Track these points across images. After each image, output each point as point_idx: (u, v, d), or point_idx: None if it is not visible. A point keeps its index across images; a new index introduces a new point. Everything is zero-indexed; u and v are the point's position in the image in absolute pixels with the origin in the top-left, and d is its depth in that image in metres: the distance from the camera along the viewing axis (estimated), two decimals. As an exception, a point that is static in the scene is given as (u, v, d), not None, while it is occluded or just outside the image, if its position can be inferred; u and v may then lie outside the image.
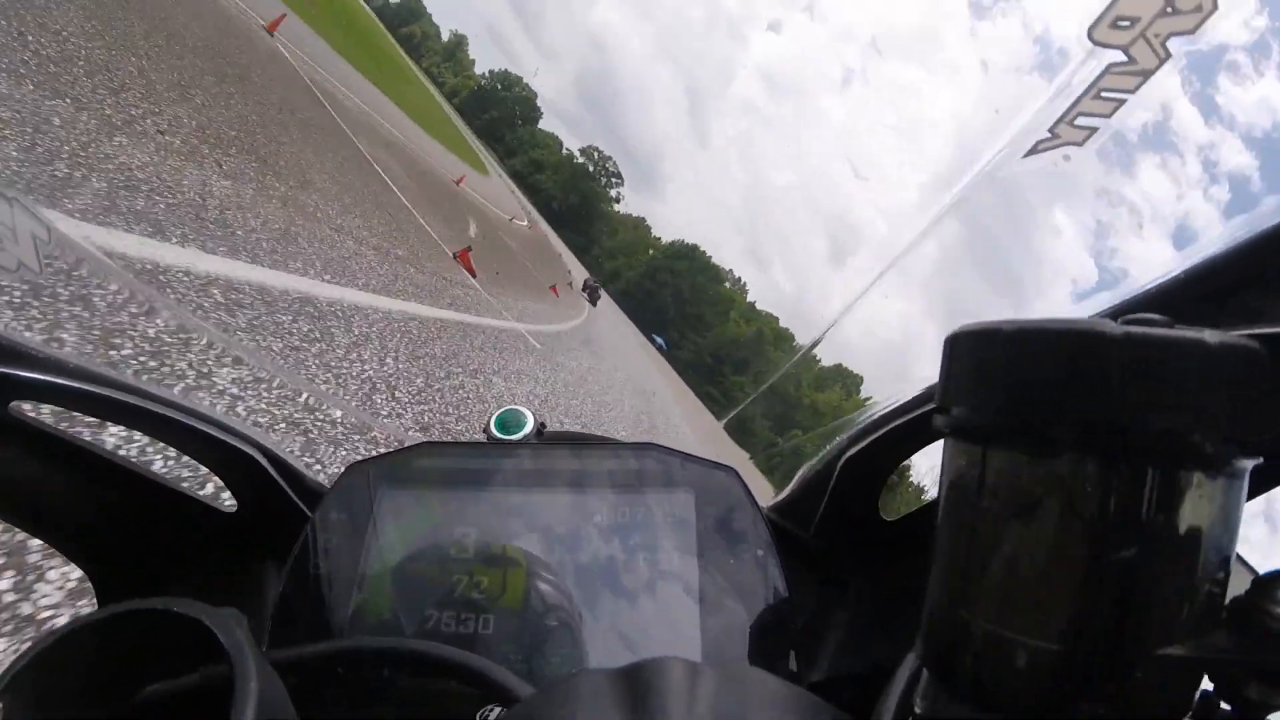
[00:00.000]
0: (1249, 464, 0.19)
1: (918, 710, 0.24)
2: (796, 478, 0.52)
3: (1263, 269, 0.25)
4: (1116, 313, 0.29)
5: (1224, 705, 0.21)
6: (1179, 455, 0.18)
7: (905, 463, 0.47)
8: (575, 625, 0.45)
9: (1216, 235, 0.26)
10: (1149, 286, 0.29)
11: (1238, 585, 0.20)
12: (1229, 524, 0.19)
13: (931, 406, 0.42)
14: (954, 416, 0.22)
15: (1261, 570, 0.20)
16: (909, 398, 0.44)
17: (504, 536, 0.49)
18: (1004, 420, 0.20)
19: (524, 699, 0.33)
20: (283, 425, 2.33)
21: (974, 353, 0.21)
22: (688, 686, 0.22)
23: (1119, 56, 0.41)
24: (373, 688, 0.42)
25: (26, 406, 0.40)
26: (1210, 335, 0.18)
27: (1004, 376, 0.20)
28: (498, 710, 0.36)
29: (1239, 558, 0.20)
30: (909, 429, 0.43)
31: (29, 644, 0.27)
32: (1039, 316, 0.20)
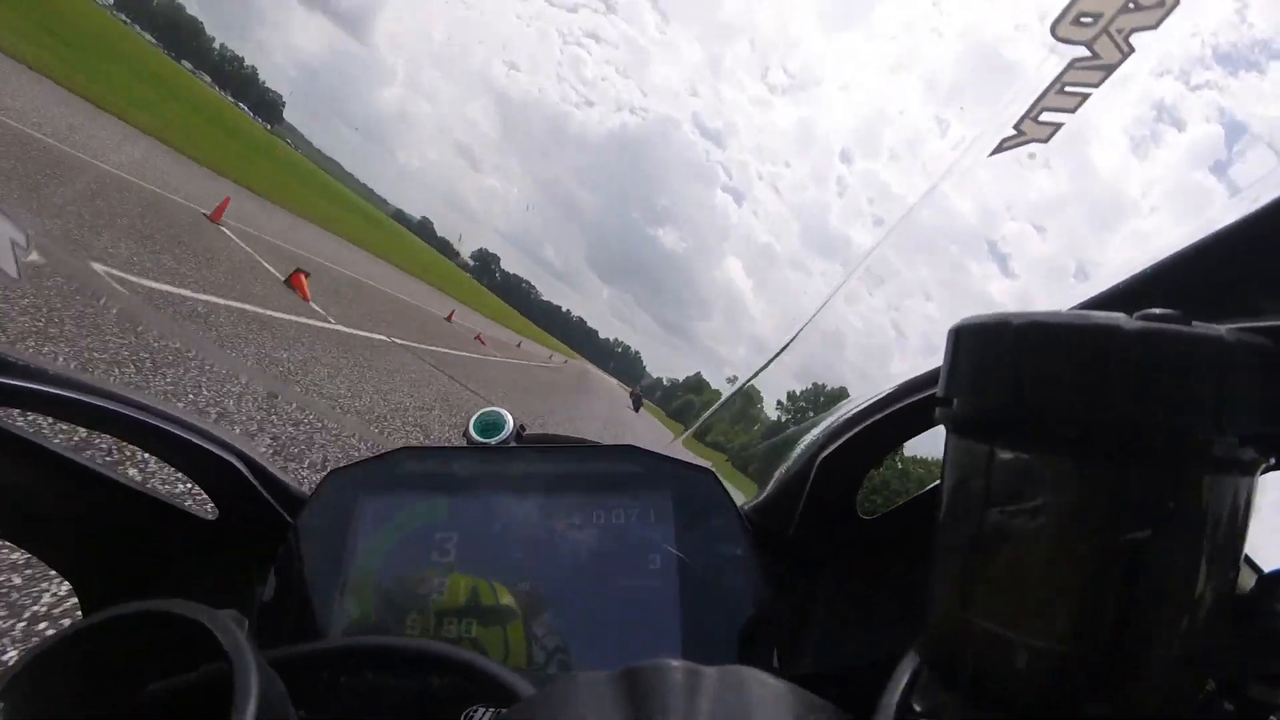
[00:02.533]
0: (1260, 463, 0.19)
1: (917, 708, 0.24)
2: (774, 477, 0.51)
3: (1267, 258, 0.25)
4: (1110, 301, 0.29)
5: (1227, 705, 0.20)
6: (1191, 454, 0.18)
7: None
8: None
9: (1219, 222, 0.26)
10: (1144, 274, 0.28)
11: (1242, 584, 0.20)
12: (1238, 524, 0.19)
13: (906, 403, 0.42)
14: (958, 411, 0.21)
15: (1266, 569, 0.20)
16: (884, 395, 0.43)
17: (483, 542, 0.49)
18: (1011, 416, 0.19)
19: (521, 701, 0.33)
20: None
21: (981, 345, 0.20)
22: (688, 689, 0.21)
23: (1082, 52, 0.41)
24: (366, 688, 0.42)
25: (5, 414, 0.40)
26: (1228, 332, 0.18)
27: (1013, 371, 0.19)
28: (481, 710, 0.36)
29: (1245, 557, 0.19)
30: (885, 426, 0.43)
31: (30, 647, 0.27)
32: (1046, 309, 0.19)
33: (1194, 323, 0.18)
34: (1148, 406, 0.17)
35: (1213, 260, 0.26)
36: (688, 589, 0.46)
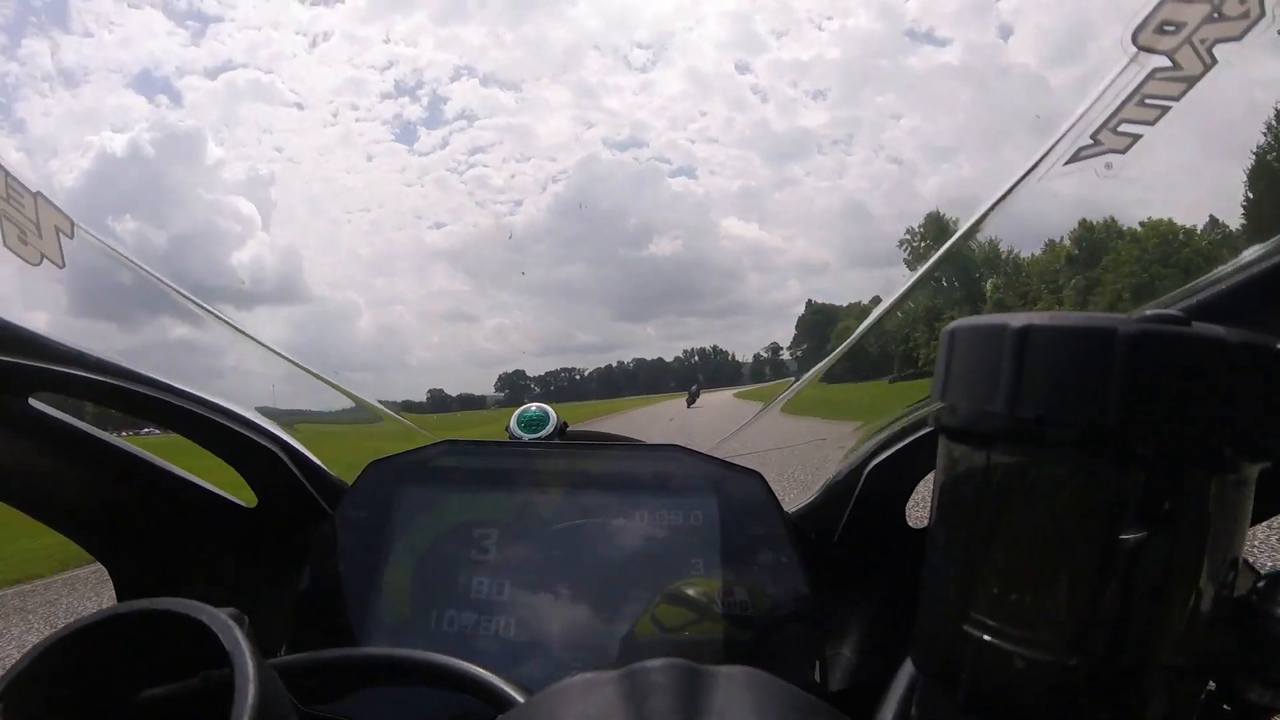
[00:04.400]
0: (1259, 466, 0.19)
1: (916, 716, 0.24)
2: (821, 483, 0.51)
3: None
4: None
5: (1226, 708, 0.21)
6: (1190, 458, 0.18)
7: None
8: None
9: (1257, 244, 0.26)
10: (1180, 293, 0.28)
11: (1240, 586, 0.20)
12: (1237, 527, 0.19)
13: None
14: (953, 415, 0.21)
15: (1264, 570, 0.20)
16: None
17: (522, 540, 0.49)
18: (1007, 420, 0.19)
19: (524, 702, 0.32)
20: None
21: (977, 348, 0.20)
22: (688, 689, 0.22)
23: (1163, 62, 0.40)
24: (386, 695, 0.42)
25: (48, 400, 0.41)
26: (1229, 334, 0.17)
27: (1008, 374, 0.19)
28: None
29: (1243, 559, 0.19)
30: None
31: (30, 647, 0.27)
32: (1047, 312, 0.19)
33: (1194, 324, 0.18)
34: (1146, 409, 0.17)
35: (1252, 285, 0.26)
36: (729, 594, 0.45)
